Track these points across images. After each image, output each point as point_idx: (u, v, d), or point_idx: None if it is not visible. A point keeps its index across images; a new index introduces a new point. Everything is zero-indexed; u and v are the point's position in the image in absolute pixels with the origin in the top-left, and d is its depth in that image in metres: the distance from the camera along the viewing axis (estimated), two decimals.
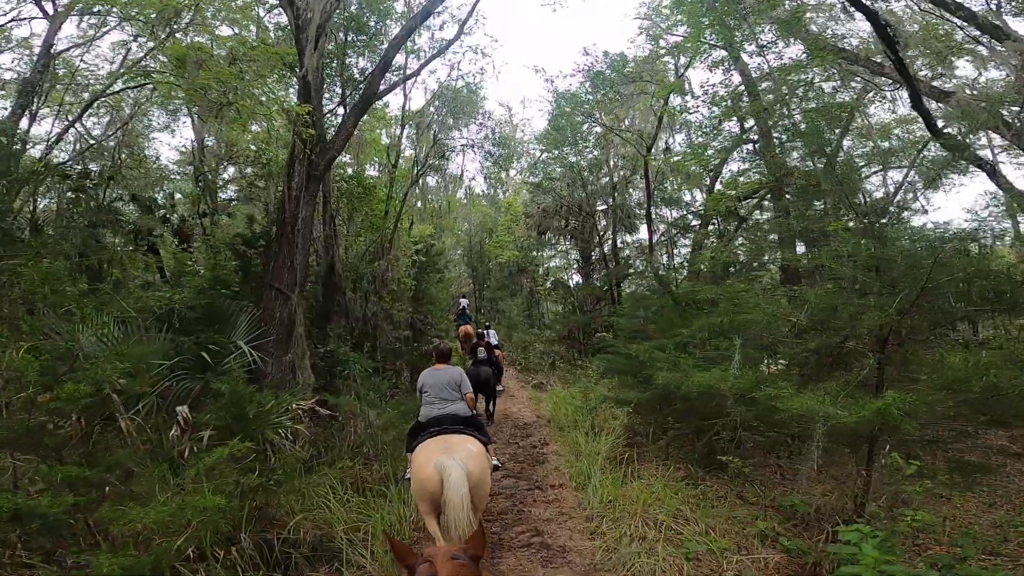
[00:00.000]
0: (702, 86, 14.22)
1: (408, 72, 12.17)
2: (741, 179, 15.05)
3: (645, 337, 8.80)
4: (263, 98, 7.85)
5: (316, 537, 4.65)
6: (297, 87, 8.83)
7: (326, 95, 11.47)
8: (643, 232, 22.02)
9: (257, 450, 4.48)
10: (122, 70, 9.94)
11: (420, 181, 16.94)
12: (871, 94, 12.96)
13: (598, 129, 18.17)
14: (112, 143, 14.09)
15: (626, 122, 19.21)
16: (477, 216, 26.92)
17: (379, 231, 12.49)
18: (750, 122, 13.90)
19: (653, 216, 19.39)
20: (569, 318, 18.27)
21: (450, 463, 3.66)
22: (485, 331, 13.12)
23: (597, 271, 21.88)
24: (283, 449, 4.95)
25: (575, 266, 24.76)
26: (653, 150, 16.93)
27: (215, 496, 3.28)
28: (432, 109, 15.16)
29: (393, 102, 15.68)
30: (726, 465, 6.83)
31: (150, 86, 11.43)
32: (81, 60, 11.72)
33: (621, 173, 19.95)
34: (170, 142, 41.47)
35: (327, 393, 7.06)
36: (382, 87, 10.71)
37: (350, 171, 13.15)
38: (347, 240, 12.73)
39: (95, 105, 11.62)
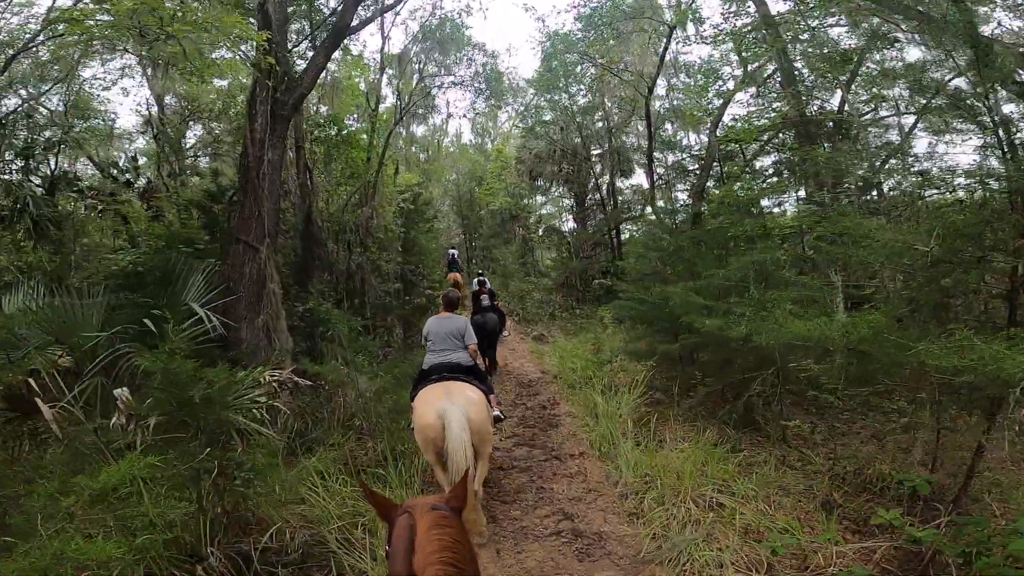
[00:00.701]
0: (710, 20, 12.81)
1: (386, 3, 10.70)
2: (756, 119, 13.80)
3: (660, 280, 7.93)
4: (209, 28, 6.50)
5: (305, 540, 3.82)
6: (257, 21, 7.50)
7: (295, 35, 10.12)
8: (639, 177, 21.09)
9: (219, 439, 3.56)
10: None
11: (405, 126, 15.46)
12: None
13: (593, 70, 16.74)
14: (60, 107, 12.78)
15: (622, 64, 17.82)
16: (465, 164, 25.53)
17: (361, 179, 11.31)
18: (753, 65, 12.62)
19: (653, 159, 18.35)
20: (567, 264, 17.33)
21: (451, 408, 3.69)
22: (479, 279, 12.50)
23: (593, 217, 20.89)
24: (256, 434, 4.03)
25: (569, 212, 23.74)
26: (653, 91, 15.59)
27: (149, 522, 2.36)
28: (416, 48, 13.66)
29: (371, 43, 14.23)
30: (760, 425, 6.18)
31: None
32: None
33: (617, 117, 18.64)
34: (127, 103, 38.76)
35: (308, 360, 6.13)
36: (356, 21, 9.36)
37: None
38: (328, 190, 11.57)
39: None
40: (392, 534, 1.45)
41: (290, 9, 8.89)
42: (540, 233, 23.56)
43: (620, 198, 19.52)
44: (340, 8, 8.20)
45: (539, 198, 25.03)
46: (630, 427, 6.28)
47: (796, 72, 10.76)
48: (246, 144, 6.71)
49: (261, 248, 6.31)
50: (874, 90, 9.94)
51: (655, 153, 16.44)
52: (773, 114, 11.64)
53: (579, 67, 16.40)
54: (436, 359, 4.62)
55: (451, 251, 19.81)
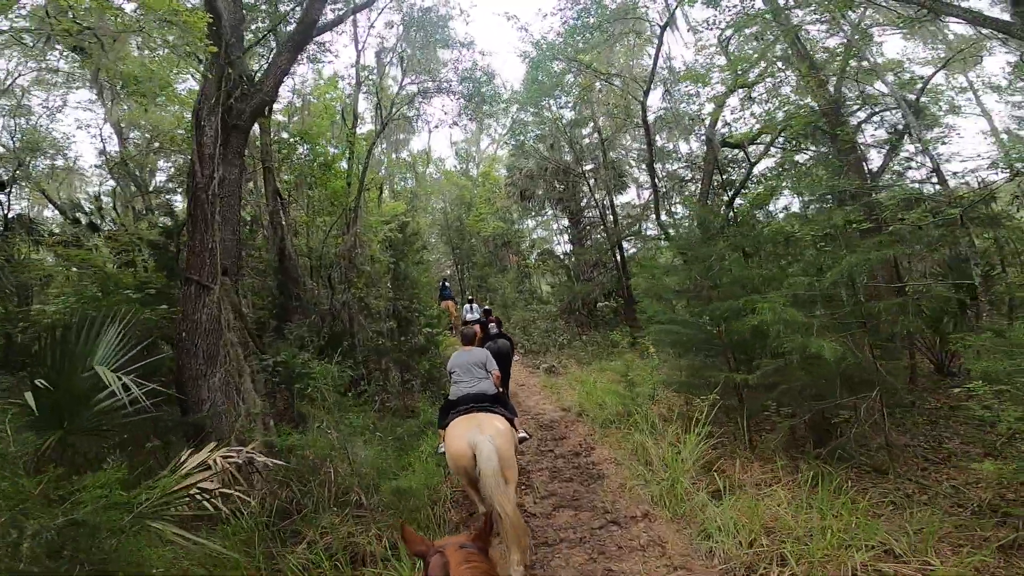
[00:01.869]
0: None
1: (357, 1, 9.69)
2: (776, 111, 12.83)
3: (696, 297, 6.73)
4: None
5: None
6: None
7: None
8: (630, 194, 20.16)
9: None
10: None
11: (386, 141, 14.27)
12: None
13: (581, 79, 15.86)
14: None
15: (612, 68, 17.05)
16: (451, 191, 24.44)
17: (342, 207, 10.10)
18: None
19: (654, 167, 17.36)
20: (570, 288, 16.10)
21: (480, 439, 3.93)
22: (469, 305, 14.00)
23: (589, 236, 19.84)
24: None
25: (564, 233, 22.68)
26: (649, 93, 14.68)
27: None
28: (396, 42, 12.34)
29: (345, 56, 13.18)
30: (851, 455, 4.96)
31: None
32: None
33: (609, 129, 17.78)
34: (91, 142, 37.60)
35: (283, 426, 4.78)
36: (324, 20, 8.32)
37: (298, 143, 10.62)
38: (305, 220, 10.35)
39: None
40: (427, 572, 1.57)
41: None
42: (534, 259, 22.43)
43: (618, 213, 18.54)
44: (306, 2, 7.09)
45: (530, 222, 24.00)
46: (694, 473, 5.02)
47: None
48: (194, 162, 5.47)
49: (214, 287, 5.01)
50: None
51: (661, 163, 15.47)
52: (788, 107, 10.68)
53: (567, 76, 15.51)
54: (463, 390, 4.81)
55: (442, 280, 18.65)
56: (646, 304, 7.36)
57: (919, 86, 8.71)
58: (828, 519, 3.65)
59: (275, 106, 9.91)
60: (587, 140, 18.77)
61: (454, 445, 4.11)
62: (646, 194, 18.69)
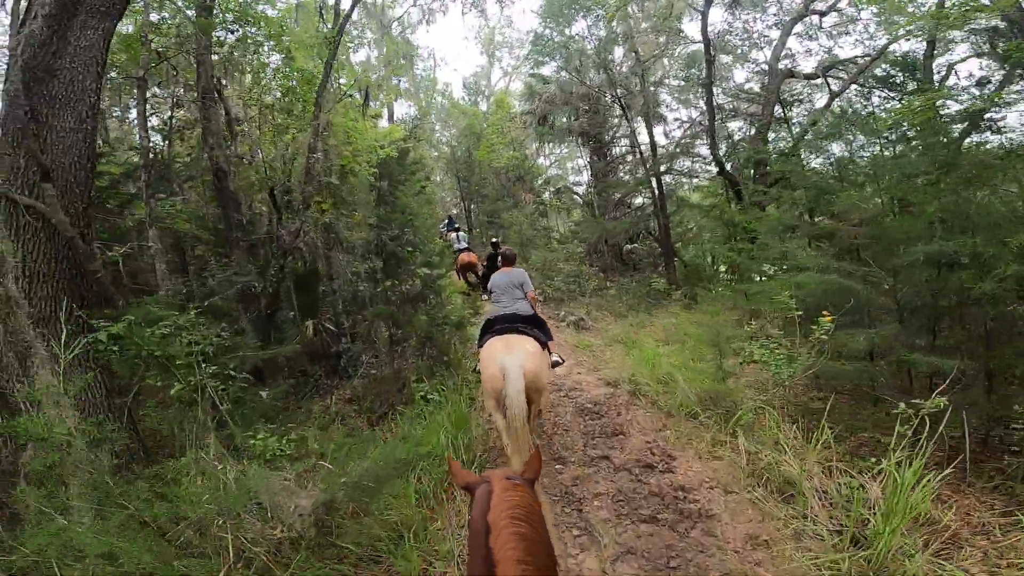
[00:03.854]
0: None
1: None
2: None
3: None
4: None
5: None
6: None
7: None
8: (657, 131, 17.20)
9: None
10: None
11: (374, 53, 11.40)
12: None
13: None
14: None
15: None
16: (460, 120, 21.51)
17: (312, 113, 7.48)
18: None
19: (694, 97, 14.37)
20: (600, 224, 13.50)
21: (509, 360, 3.93)
22: (457, 234, 13.77)
23: (615, 172, 17.13)
24: None
25: (583, 172, 19.96)
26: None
27: None
28: None
29: None
30: None
31: None
32: None
33: (643, 50, 14.77)
34: None
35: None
36: None
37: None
38: (269, 130, 7.81)
39: None
40: (472, 502, 1.57)
41: None
42: (548, 196, 19.80)
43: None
44: None
45: (544, 160, 21.08)
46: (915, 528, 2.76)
47: None
48: None
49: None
50: None
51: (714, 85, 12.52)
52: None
53: None
54: (499, 310, 4.83)
55: (448, 217, 16.20)
56: (768, 246, 4.97)
57: None
58: None
59: None
60: (619, 66, 15.81)
61: (488, 369, 4.16)
62: (676, 133, 15.78)
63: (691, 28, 17.57)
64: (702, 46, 12.90)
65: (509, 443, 3.85)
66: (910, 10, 8.19)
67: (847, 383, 4.31)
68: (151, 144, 6.48)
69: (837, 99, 11.73)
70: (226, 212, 5.92)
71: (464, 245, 13.60)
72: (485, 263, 11.79)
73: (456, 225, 15.82)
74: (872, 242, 4.42)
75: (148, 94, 6.71)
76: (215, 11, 6.81)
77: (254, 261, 5.12)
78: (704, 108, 14.54)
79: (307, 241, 6.45)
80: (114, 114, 9.06)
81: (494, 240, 12.42)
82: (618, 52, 15.88)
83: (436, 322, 5.97)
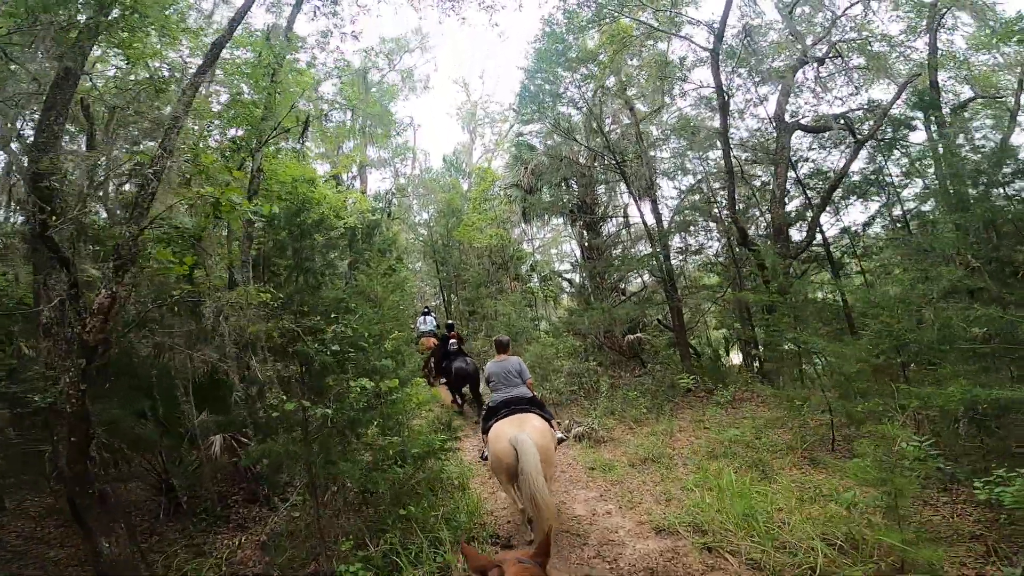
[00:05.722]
0: None
1: None
2: None
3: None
4: None
5: None
6: None
7: None
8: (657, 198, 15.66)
9: None
10: None
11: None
12: None
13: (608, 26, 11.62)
14: None
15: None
16: (438, 194, 19.79)
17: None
18: None
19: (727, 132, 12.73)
20: (602, 311, 11.29)
21: (522, 436, 4.06)
22: (423, 316, 13.14)
23: (610, 249, 15.26)
24: None
25: (572, 254, 18.16)
26: (723, 38, 10.34)
27: None
28: None
29: None
30: None
31: None
32: None
33: (642, 111, 13.50)
34: None
35: None
36: None
37: None
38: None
39: None
40: None
41: None
42: (536, 283, 17.86)
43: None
44: None
45: (527, 246, 19.18)
46: None
47: None
48: None
49: None
50: None
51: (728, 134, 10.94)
52: None
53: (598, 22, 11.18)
54: (501, 396, 4.91)
55: (426, 308, 14.01)
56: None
57: None
58: None
59: None
60: (612, 127, 14.45)
61: (498, 446, 4.20)
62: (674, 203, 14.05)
63: (696, 74, 16.42)
64: (700, 95, 11.77)
65: (533, 514, 3.81)
66: None
67: None
68: None
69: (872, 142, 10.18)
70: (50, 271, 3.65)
71: (430, 328, 12.68)
72: (438, 342, 11.21)
73: (427, 309, 13.74)
74: None
75: None
76: None
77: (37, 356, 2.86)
78: (704, 171, 13.13)
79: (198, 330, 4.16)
80: None
81: (450, 323, 11.89)
82: (613, 105, 14.38)
83: (383, 461, 3.59)
